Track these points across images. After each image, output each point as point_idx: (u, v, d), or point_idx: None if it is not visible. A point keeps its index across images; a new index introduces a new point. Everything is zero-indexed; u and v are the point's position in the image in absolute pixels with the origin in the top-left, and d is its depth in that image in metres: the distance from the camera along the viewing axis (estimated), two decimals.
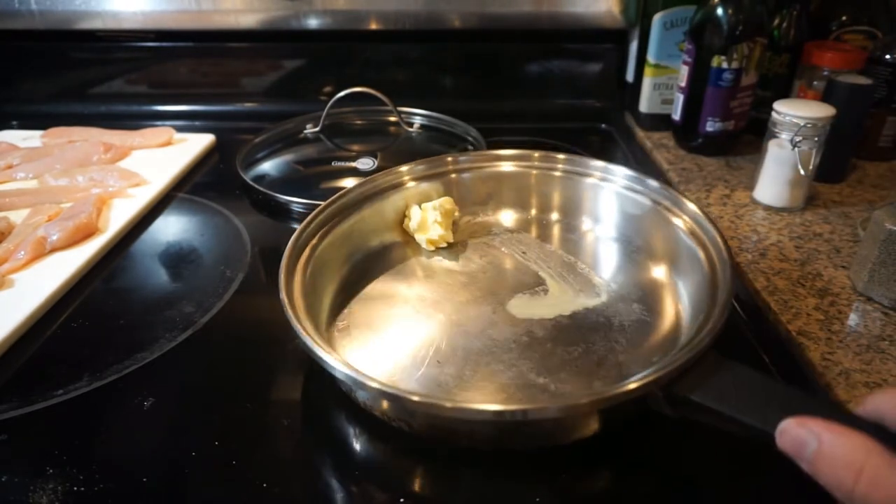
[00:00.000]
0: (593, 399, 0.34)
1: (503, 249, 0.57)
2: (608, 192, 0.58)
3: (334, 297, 0.51)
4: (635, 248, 0.56)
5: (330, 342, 0.45)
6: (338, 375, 0.36)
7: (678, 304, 0.49)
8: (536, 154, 0.62)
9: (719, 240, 0.46)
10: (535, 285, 0.52)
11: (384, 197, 0.58)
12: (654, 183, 0.55)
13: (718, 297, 0.42)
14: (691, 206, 0.51)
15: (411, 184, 0.59)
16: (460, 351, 0.45)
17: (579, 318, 0.48)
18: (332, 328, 0.48)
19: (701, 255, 0.48)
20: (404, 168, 0.59)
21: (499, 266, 0.55)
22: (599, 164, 0.59)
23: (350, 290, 0.52)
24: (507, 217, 0.62)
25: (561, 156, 0.61)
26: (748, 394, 0.33)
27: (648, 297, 0.50)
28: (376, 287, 0.53)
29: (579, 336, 0.46)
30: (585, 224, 0.60)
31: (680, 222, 0.52)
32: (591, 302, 0.50)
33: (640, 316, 0.48)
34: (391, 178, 0.59)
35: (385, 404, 0.38)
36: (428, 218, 0.56)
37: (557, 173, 0.61)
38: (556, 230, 0.60)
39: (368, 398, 0.39)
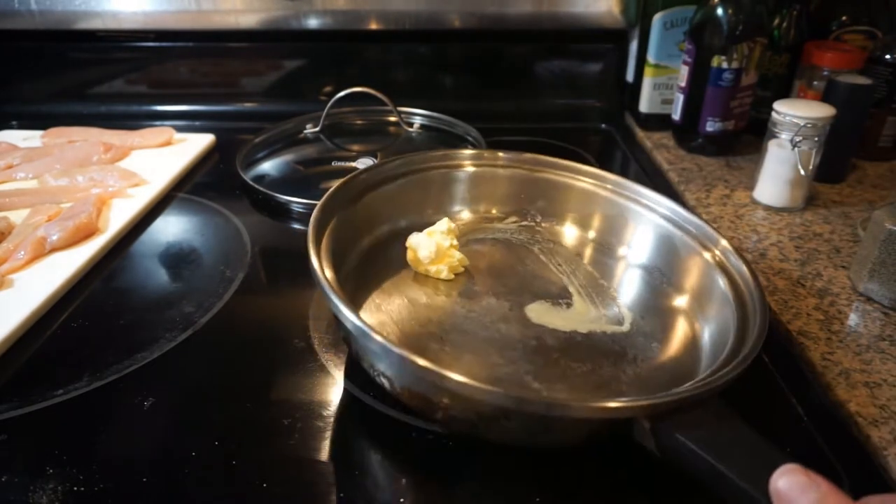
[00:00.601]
0: (567, 405, 0.33)
1: (541, 257, 0.56)
2: (655, 223, 0.55)
3: (354, 269, 0.51)
4: (675, 289, 0.52)
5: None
6: (339, 317, 0.37)
7: (700, 354, 0.46)
8: (593, 171, 0.59)
9: (758, 297, 0.43)
10: (559, 297, 0.51)
11: (427, 174, 0.58)
12: (702, 224, 0.52)
13: (742, 351, 0.39)
14: (741, 265, 0.47)
15: (461, 170, 0.60)
16: (466, 335, 0.46)
17: (594, 339, 0.47)
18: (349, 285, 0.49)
19: (735, 307, 0.44)
20: (466, 152, 0.61)
21: (530, 269, 0.55)
22: (660, 197, 0.56)
23: (370, 262, 0.53)
24: (556, 226, 0.60)
25: (613, 177, 0.58)
26: (741, 450, 0.31)
27: (671, 340, 0.48)
28: (403, 260, 0.53)
29: (589, 355, 0.45)
30: (626, 251, 0.57)
31: (723, 274, 0.48)
32: (611, 328, 0.48)
33: (656, 355, 0.46)
34: (443, 157, 0.60)
35: (380, 361, 0.38)
36: (443, 244, 0.52)
37: (619, 199, 0.58)
38: (597, 251, 0.58)
39: (360, 345, 0.39)
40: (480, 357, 0.44)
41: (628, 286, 0.54)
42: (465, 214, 0.61)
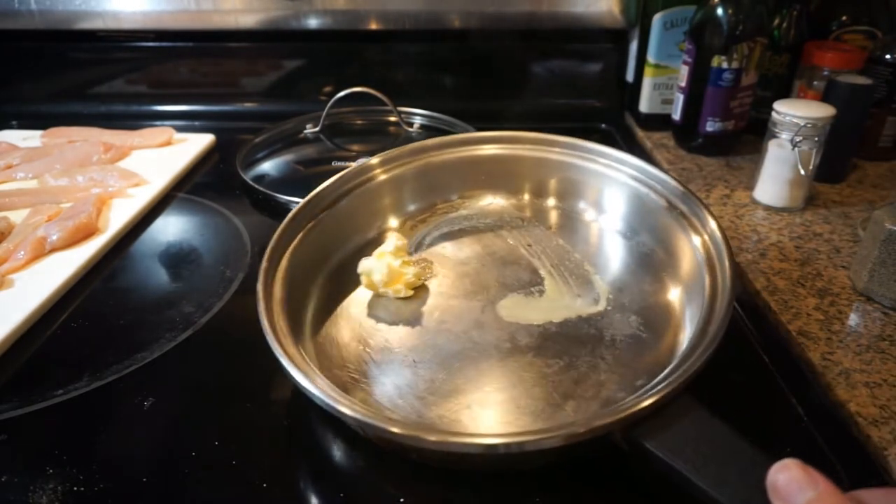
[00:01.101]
0: (520, 441, 0.32)
1: (509, 241, 0.55)
2: (629, 187, 0.54)
3: (318, 296, 0.49)
4: (648, 252, 0.51)
5: (310, 337, 0.45)
6: (295, 381, 0.36)
7: (680, 322, 0.45)
8: (556, 138, 0.58)
9: (728, 266, 0.42)
10: (531, 284, 0.50)
11: (359, 192, 0.55)
12: (677, 186, 0.50)
13: (708, 331, 0.37)
14: (711, 222, 0.46)
15: (383, 176, 0.56)
16: (439, 352, 0.44)
17: (569, 326, 0.45)
18: (314, 325, 0.47)
19: (707, 278, 0.43)
20: (375, 160, 0.56)
21: (499, 258, 0.53)
22: (630, 158, 0.55)
23: (335, 285, 0.50)
24: (521, 201, 0.59)
25: (567, 139, 0.57)
26: (712, 454, 0.30)
27: (649, 310, 0.46)
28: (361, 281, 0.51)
29: (564, 348, 0.44)
30: (597, 215, 0.56)
31: (696, 236, 0.47)
32: (586, 310, 0.47)
33: (635, 331, 0.45)
34: (363, 171, 0.56)
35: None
36: (394, 264, 0.49)
37: (583, 162, 0.56)
38: (568, 220, 0.56)
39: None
40: (455, 375, 0.42)
41: (602, 255, 0.52)
42: (423, 211, 0.58)
